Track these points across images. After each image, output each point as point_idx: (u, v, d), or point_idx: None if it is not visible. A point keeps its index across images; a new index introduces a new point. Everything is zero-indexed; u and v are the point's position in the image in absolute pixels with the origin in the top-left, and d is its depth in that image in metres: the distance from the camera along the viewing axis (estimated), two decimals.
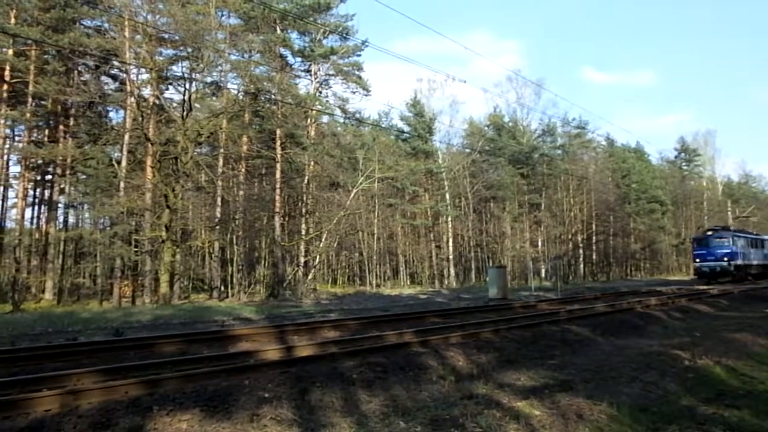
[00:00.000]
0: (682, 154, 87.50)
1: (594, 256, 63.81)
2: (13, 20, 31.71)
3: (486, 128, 61.37)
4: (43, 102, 35.66)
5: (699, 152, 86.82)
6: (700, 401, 6.83)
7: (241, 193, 37.57)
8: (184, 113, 27.88)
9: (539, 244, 55.71)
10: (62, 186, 38.59)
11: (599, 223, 62.17)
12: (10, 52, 32.10)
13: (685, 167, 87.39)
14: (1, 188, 34.73)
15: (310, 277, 36.45)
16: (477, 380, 7.97)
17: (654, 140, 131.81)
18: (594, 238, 62.39)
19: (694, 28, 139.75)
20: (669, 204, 73.87)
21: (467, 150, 53.40)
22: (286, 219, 40.01)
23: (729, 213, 77.29)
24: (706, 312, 18.48)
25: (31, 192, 40.79)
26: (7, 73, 32.29)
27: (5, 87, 32.35)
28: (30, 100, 34.27)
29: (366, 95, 43.38)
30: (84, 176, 38.27)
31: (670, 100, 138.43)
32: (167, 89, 35.56)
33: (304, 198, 38.48)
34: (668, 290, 28.46)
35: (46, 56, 34.08)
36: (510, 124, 61.10)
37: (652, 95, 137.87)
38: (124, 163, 32.48)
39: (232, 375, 7.64)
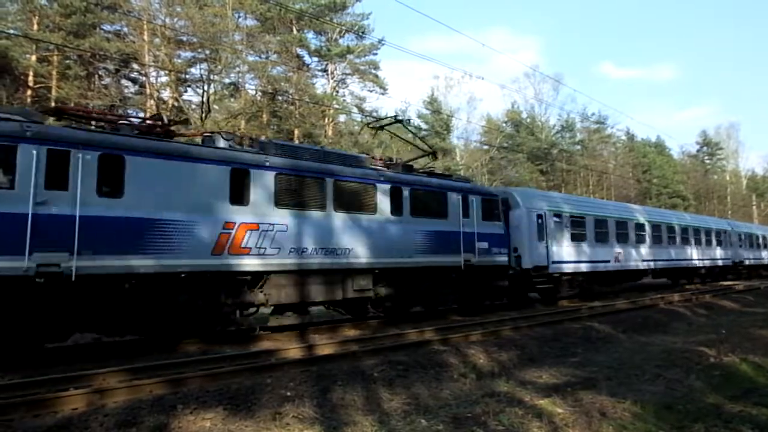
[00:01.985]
0: (705, 148, 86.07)
1: None
2: (35, 26, 32.23)
3: (504, 125, 61.00)
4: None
5: (722, 146, 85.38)
6: (727, 399, 6.73)
7: None
8: (203, 115, 28.16)
9: None
10: None
11: None
12: (33, 57, 32.62)
13: (707, 161, 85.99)
14: None
15: None
16: (498, 378, 7.94)
17: (676, 134, 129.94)
18: None
19: (715, 19, 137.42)
20: (691, 199, 72.75)
21: (485, 147, 53.09)
22: None
23: (754, 207, 75.92)
24: (731, 308, 18.17)
25: None
26: (30, 78, 32.83)
27: (29, 92, 32.91)
28: (53, 104, 34.82)
29: (383, 93, 43.53)
30: None
31: (691, 94, 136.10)
32: (186, 91, 35.92)
33: None
34: (692, 286, 28.03)
35: (67, 61, 34.61)
36: (528, 120, 60.67)
37: (673, 89, 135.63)
38: None
39: (254, 373, 7.71)
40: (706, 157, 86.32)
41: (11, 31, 30.77)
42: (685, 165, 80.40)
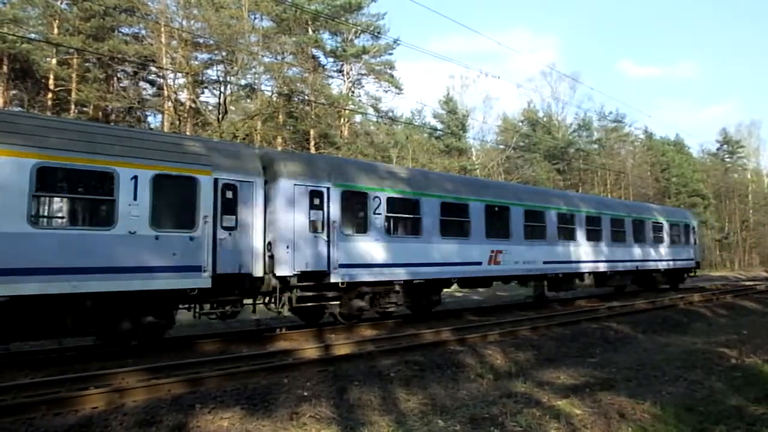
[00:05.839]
0: (725, 146, 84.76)
1: None
2: (56, 30, 32.71)
3: (520, 124, 60.65)
4: (84, 108, 36.69)
5: (742, 144, 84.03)
6: (749, 401, 6.61)
7: None
8: (220, 116, 28.37)
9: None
10: None
11: None
12: (54, 61, 33.11)
13: (728, 159, 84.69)
14: None
15: None
16: (516, 378, 7.89)
17: (696, 133, 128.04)
18: None
19: (736, 17, 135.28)
20: (711, 198, 71.73)
21: (501, 146, 52.84)
22: None
23: None
24: (753, 309, 17.88)
25: None
26: (51, 81, 33.33)
27: (50, 95, 33.40)
28: (73, 107, 35.32)
29: (398, 93, 43.46)
30: None
31: (712, 92, 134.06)
32: (203, 93, 36.20)
33: None
34: (712, 286, 27.66)
35: (87, 64, 35.08)
36: (545, 119, 60.29)
37: (693, 87, 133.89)
38: None
39: (271, 373, 7.75)
40: (727, 156, 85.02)
41: (32, 36, 31.26)
42: (704, 163, 79.30)
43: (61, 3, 33.63)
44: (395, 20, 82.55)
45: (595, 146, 61.90)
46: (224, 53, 30.20)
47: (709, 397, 6.82)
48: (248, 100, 35.35)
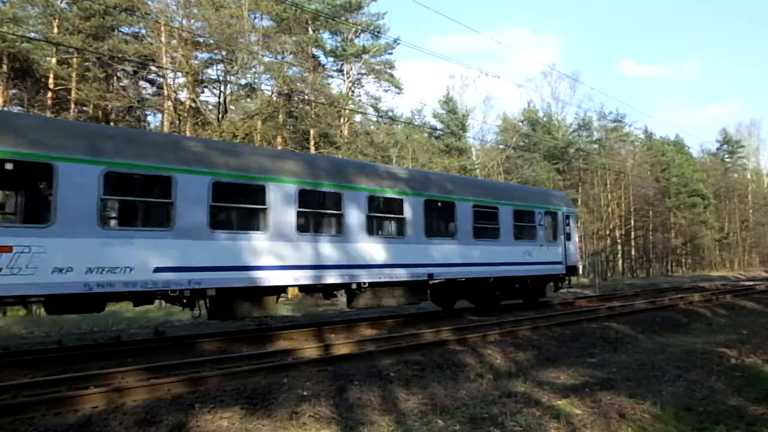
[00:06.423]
0: (725, 146, 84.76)
1: (633, 252, 62.44)
2: (56, 29, 32.69)
3: (520, 123, 60.63)
4: (84, 108, 36.69)
5: (742, 144, 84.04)
6: (749, 401, 6.62)
7: None
8: (220, 115, 28.34)
9: (576, 240, 54.92)
10: None
11: (638, 218, 60.81)
12: (54, 60, 33.10)
13: (727, 159, 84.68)
14: None
15: None
16: (515, 378, 7.89)
17: (696, 133, 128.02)
18: (633, 233, 61.05)
19: (737, 16, 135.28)
20: (711, 197, 71.72)
21: (501, 146, 52.82)
22: None
23: None
24: (753, 309, 17.89)
25: None
26: (51, 81, 33.32)
27: (49, 94, 33.38)
28: (72, 106, 35.29)
29: (398, 93, 43.44)
30: None
31: (712, 92, 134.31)
32: (203, 92, 36.14)
33: None
34: (712, 286, 27.67)
35: (87, 63, 35.06)
36: (545, 119, 60.27)
37: (693, 87, 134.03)
38: None
39: (271, 373, 7.74)
40: (727, 156, 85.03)
41: (32, 35, 31.23)
42: (704, 163, 79.28)
43: (61, 2, 33.60)
44: (395, 20, 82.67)
45: (595, 146, 61.88)
46: (224, 52, 30.17)
47: (709, 397, 6.83)
48: (248, 100, 35.35)
